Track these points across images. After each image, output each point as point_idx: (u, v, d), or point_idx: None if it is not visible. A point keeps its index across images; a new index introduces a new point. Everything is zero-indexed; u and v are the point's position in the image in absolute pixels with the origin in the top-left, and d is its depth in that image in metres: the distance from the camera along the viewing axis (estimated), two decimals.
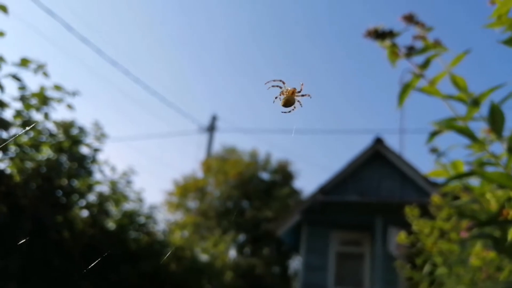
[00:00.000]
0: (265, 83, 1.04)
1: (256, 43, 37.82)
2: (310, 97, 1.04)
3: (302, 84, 1.03)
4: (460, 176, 1.51)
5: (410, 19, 1.42)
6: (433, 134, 1.47)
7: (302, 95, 1.04)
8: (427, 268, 2.73)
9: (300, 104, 1.03)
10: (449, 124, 1.40)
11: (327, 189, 10.82)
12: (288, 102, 1.03)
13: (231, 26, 37.20)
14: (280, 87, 1.04)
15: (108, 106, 36.39)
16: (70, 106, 4.43)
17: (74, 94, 4.45)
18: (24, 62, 3.89)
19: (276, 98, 1.04)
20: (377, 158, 11.21)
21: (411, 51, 1.45)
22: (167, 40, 37.98)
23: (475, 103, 1.36)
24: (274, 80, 1.04)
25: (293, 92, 1.03)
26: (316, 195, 10.77)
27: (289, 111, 1.03)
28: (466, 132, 1.37)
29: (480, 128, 1.52)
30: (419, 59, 1.48)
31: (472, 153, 1.47)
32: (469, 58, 1.52)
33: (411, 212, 2.86)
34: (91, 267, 4.89)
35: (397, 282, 9.41)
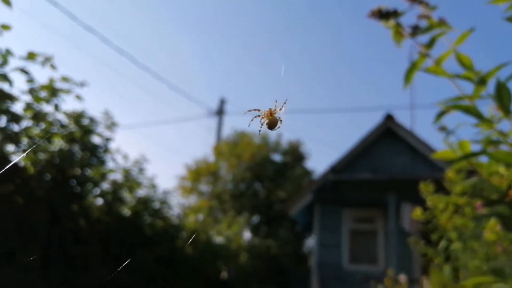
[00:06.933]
0: (244, 114, 1.10)
1: (262, 24, 37.41)
2: (286, 103, 1.09)
3: (276, 102, 1.09)
4: (467, 156, 1.50)
5: None
6: (440, 114, 1.46)
7: (280, 109, 1.09)
8: (442, 243, 2.72)
9: (280, 120, 1.09)
10: (456, 104, 1.39)
11: (338, 168, 10.81)
12: (272, 123, 1.09)
13: (237, 8, 36.80)
14: (258, 115, 1.10)
15: (117, 94, 36.55)
16: (79, 97, 4.46)
17: (82, 84, 4.49)
18: (31, 56, 3.91)
19: (261, 126, 1.10)
20: (388, 135, 11.13)
21: (415, 30, 1.44)
22: (174, 25, 37.78)
23: (481, 81, 1.35)
24: (249, 110, 1.10)
25: (271, 113, 1.09)
26: (327, 174, 10.78)
27: (278, 127, 1.09)
28: (473, 112, 1.36)
29: (489, 105, 1.50)
30: (424, 38, 1.46)
31: (480, 132, 1.46)
32: (477, 35, 1.49)
33: (425, 188, 2.83)
34: (109, 253, 5.00)
35: (411, 258, 9.45)
